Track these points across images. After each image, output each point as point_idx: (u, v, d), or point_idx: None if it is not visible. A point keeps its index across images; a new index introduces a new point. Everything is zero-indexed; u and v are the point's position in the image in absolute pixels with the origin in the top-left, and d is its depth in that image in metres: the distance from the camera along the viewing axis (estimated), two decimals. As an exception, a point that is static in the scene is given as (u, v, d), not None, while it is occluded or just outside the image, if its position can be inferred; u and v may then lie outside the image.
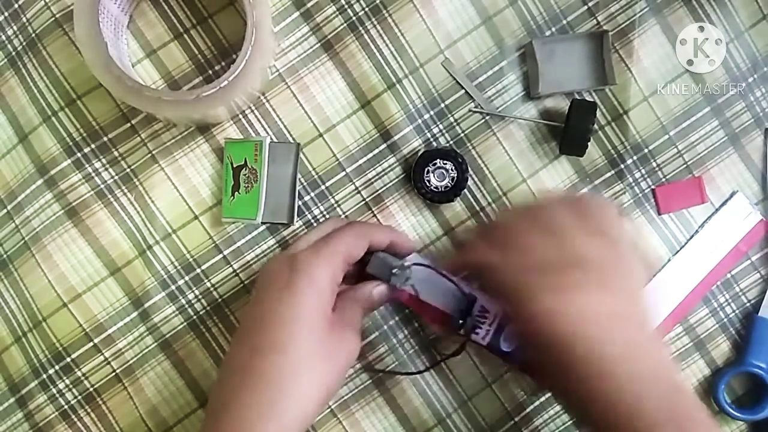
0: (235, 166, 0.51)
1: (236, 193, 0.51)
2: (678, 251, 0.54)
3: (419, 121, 0.53)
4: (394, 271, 0.48)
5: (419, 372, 0.53)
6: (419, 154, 0.52)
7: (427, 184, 0.52)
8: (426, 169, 0.52)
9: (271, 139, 0.52)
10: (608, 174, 0.54)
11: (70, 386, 0.53)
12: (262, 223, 0.52)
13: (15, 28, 0.52)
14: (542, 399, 0.54)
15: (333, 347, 0.43)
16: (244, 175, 0.51)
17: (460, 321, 0.49)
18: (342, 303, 0.46)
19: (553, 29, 0.53)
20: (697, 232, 0.54)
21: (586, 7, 0.53)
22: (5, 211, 0.53)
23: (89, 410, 0.53)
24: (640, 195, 0.54)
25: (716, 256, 0.54)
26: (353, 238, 0.46)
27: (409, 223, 0.54)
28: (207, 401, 0.53)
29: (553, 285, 0.42)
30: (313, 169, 0.53)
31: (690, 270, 0.54)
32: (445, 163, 0.51)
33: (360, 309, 0.47)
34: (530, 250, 0.44)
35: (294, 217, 0.52)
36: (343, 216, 0.53)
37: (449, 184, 0.52)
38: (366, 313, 0.48)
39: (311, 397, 0.42)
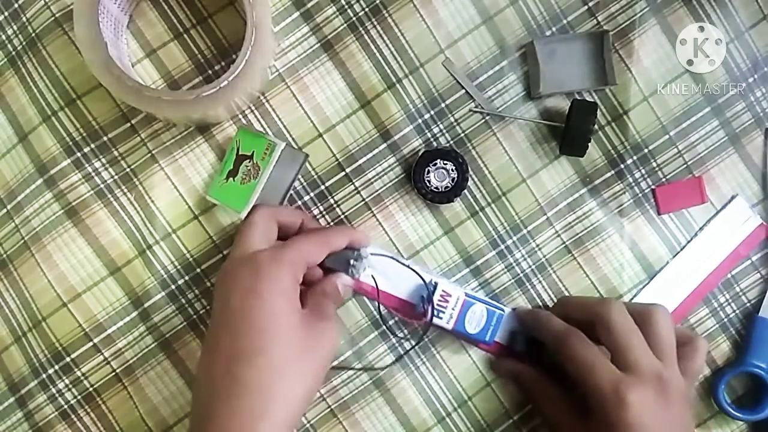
0: (240, 153, 0.51)
1: (230, 178, 0.51)
2: (677, 254, 0.54)
3: (419, 121, 0.53)
4: (351, 262, 0.49)
5: (384, 368, 0.53)
6: (420, 154, 0.52)
7: (428, 184, 0.52)
8: (426, 169, 0.52)
9: (286, 145, 0.51)
10: (608, 174, 0.54)
11: (70, 386, 0.53)
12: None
13: (15, 27, 0.52)
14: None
15: (311, 343, 0.44)
16: (246, 166, 0.51)
17: (423, 307, 0.51)
18: (314, 299, 0.47)
19: (554, 29, 0.53)
20: (696, 235, 0.54)
21: (586, 7, 0.53)
22: (5, 210, 0.53)
23: (89, 410, 0.53)
24: (640, 195, 0.54)
25: (715, 260, 0.54)
26: (313, 246, 0.47)
27: (409, 223, 0.54)
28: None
29: (644, 395, 0.44)
30: (313, 169, 0.53)
31: (689, 272, 0.54)
32: (446, 164, 0.52)
33: (331, 302, 0.47)
34: (637, 363, 0.45)
35: None
36: (342, 216, 0.53)
37: (449, 185, 0.52)
38: (337, 305, 0.49)
39: (297, 396, 0.42)
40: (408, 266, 0.52)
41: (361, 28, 0.52)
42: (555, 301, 0.54)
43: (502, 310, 0.53)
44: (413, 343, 0.53)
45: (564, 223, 0.54)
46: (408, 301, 0.53)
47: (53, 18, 0.51)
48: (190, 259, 0.53)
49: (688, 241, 0.54)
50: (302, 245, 0.46)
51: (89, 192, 0.52)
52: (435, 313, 0.51)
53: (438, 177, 0.52)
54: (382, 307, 0.53)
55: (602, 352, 0.46)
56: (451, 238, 0.54)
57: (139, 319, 0.53)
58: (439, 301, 0.51)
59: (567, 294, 0.54)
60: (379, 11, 0.52)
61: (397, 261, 0.52)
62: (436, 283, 0.52)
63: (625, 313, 0.47)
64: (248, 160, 0.50)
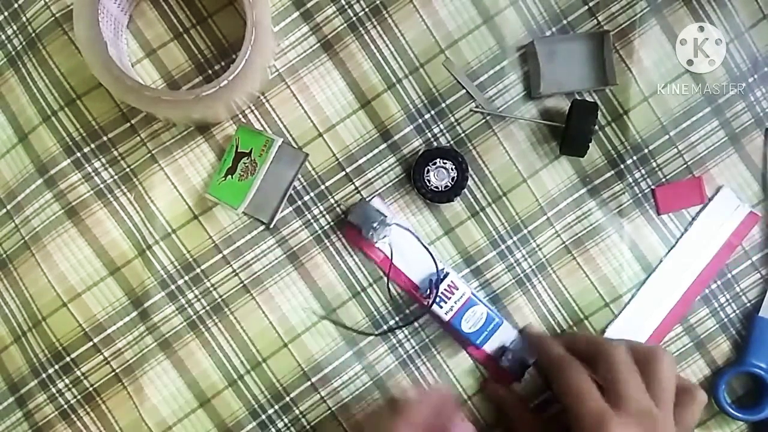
0: (239, 151, 0.51)
1: (229, 176, 0.51)
2: (669, 250, 0.54)
3: (419, 121, 0.53)
4: (374, 224, 0.49)
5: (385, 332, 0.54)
6: (419, 153, 0.52)
7: (427, 183, 0.52)
8: (426, 169, 0.52)
9: (283, 141, 0.52)
10: (608, 174, 0.54)
11: (70, 386, 0.53)
12: (243, 213, 0.51)
13: (15, 27, 0.52)
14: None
15: None
16: (244, 163, 0.51)
17: (427, 291, 0.52)
18: None
19: (554, 29, 0.53)
20: (686, 230, 0.54)
21: (586, 7, 0.53)
22: (5, 210, 0.53)
23: (89, 410, 0.53)
24: (640, 195, 0.54)
25: (708, 253, 0.54)
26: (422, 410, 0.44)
27: (410, 223, 0.54)
28: (206, 401, 0.53)
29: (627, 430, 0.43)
30: (313, 168, 0.53)
31: (684, 268, 0.54)
32: (445, 163, 0.51)
33: None
34: (627, 399, 0.45)
35: (274, 220, 0.52)
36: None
37: (449, 184, 0.52)
38: None
39: None
40: (428, 249, 0.52)
41: (361, 28, 0.52)
42: (556, 302, 0.54)
43: (501, 321, 0.53)
44: (412, 325, 0.54)
45: (564, 223, 0.54)
46: (414, 282, 0.53)
47: (53, 18, 0.51)
48: (190, 260, 0.53)
49: (679, 238, 0.54)
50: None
51: (89, 192, 0.52)
52: (437, 300, 0.51)
53: (438, 176, 0.52)
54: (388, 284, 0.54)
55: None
56: (451, 238, 0.54)
57: (138, 319, 0.53)
58: (445, 290, 0.52)
59: (567, 294, 0.54)
60: (379, 11, 0.52)
61: (418, 240, 0.52)
62: (447, 273, 0.52)
63: (628, 354, 0.47)
64: (246, 158, 0.50)
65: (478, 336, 0.52)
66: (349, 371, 0.54)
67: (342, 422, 0.54)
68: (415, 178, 0.52)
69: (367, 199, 0.53)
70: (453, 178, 0.52)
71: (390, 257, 0.52)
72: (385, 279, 0.53)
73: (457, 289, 0.52)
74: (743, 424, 0.55)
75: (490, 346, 0.54)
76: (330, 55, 0.52)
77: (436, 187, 0.52)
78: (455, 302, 0.52)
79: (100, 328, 0.52)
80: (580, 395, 0.45)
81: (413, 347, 0.54)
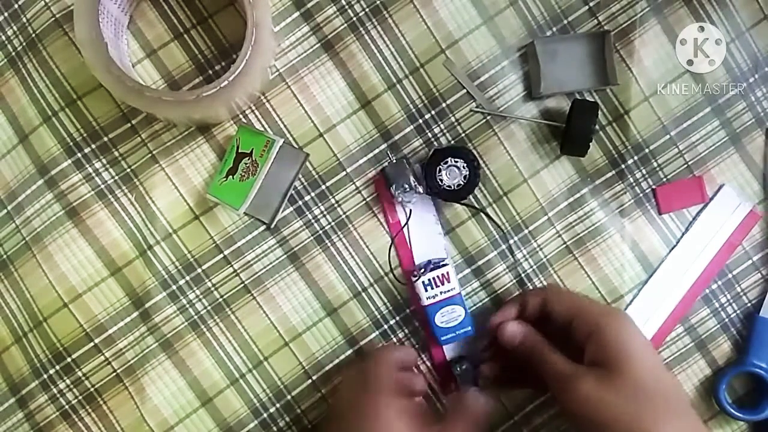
0: (239, 151, 0.51)
1: (230, 176, 0.51)
2: (671, 250, 0.54)
3: (420, 121, 0.53)
4: (405, 185, 0.51)
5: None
6: (431, 152, 0.52)
7: (439, 182, 0.51)
8: (438, 168, 0.51)
9: (284, 141, 0.52)
10: (609, 174, 0.54)
11: (71, 386, 0.53)
12: (244, 213, 0.51)
13: (15, 28, 0.52)
14: (542, 399, 0.54)
15: None
16: (245, 164, 0.51)
17: (419, 270, 0.51)
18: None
19: (554, 29, 0.53)
20: (687, 229, 0.54)
21: (587, 7, 0.53)
22: (6, 211, 0.53)
23: (90, 410, 0.53)
24: (641, 195, 0.54)
25: (710, 252, 0.54)
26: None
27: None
28: (208, 400, 0.53)
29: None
30: (314, 168, 0.53)
31: (685, 268, 0.54)
32: (457, 161, 0.51)
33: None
34: None
35: (275, 221, 0.52)
36: (343, 216, 0.53)
37: (461, 183, 0.51)
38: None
39: None
40: (441, 234, 0.53)
41: (361, 28, 0.52)
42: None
43: (473, 332, 0.52)
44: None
45: (565, 223, 0.54)
46: (414, 258, 0.53)
47: (53, 19, 0.51)
48: (191, 260, 0.53)
49: (681, 236, 0.54)
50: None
51: (90, 192, 0.52)
52: (424, 281, 0.51)
53: (450, 175, 0.51)
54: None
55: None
56: (452, 238, 0.54)
57: (140, 319, 0.53)
58: (437, 277, 0.51)
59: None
60: (379, 11, 0.52)
61: (440, 224, 0.53)
62: (447, 263, 0.51)
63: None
64: (247, 158, 0.50)
65: (446, 333, 0.51)
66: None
67: None
68: (427, 177, 0.51)
69: (413, 163, 0.53)
70: (465, 177, 0.51)
71: (405, 223, 0.52)
72: (389, 268, 0.53)
73: (449, 282, 0.51)
74: (744, 424, 0.55)
75: (450, 351, 0.53)
76: (330, 55, 0.52)
77: (449, 186, 0.51)
78: (441, 292, 0.51)
79: (101, 328, 0.53)
80: (544, 363, 0.47)
81: (413, 346, 0.54)
